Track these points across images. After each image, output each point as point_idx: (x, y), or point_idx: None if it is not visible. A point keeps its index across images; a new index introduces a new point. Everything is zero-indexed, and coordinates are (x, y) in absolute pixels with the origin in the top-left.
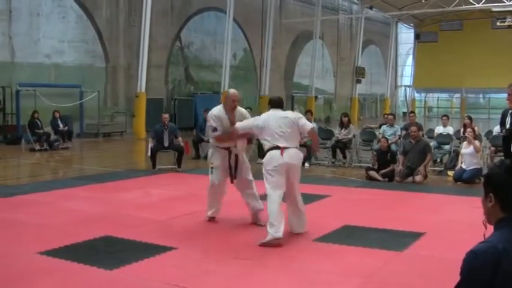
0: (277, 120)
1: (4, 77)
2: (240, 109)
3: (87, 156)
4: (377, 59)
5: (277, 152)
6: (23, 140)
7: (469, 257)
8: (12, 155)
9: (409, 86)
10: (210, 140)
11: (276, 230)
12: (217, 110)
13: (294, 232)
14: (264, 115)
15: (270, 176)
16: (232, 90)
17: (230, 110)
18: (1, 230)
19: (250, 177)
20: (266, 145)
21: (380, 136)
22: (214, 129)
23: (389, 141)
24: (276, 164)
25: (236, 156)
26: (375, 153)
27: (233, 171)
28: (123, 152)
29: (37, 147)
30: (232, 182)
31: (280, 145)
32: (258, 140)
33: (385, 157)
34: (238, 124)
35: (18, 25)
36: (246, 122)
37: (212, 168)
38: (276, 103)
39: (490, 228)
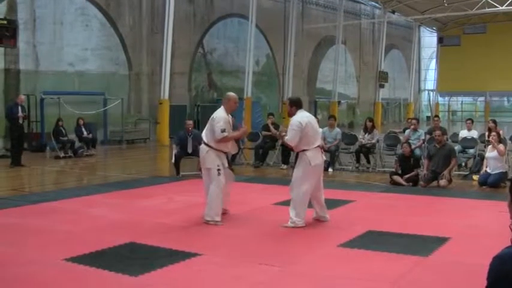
0: (314, 122)
1: (29, 86)
2: None
3: (111, 163)
4: (400, 63)
5: (319, 151)
6: (47, 148)
7: (495, 262)
8: (37, 163)
9: (432, 90)
10: (210, 143)
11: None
12: (224, 113)
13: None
14: (302, 117)
15: (312, 170)
16: (233, 94)
17: (230, 112)
18: (27, 237)
19: None
20: (303, 144)
21: (403, 140)
22: (223, 131)
23: (413, 146)
24: (319, 162)
25: (227, 157)
26: (396, 158)
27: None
28: (147, 158)
29: (61, 154)
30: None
31: (320, 145)
32: (282, 145)
33: (408, 162)
34: (289, 140)
35: (42, 34)
36: (292, 134)
37: (219, 170)
38: (301, 104)
39: None
